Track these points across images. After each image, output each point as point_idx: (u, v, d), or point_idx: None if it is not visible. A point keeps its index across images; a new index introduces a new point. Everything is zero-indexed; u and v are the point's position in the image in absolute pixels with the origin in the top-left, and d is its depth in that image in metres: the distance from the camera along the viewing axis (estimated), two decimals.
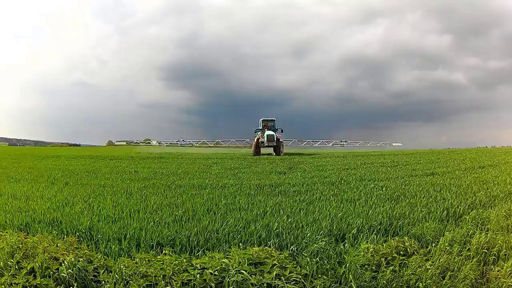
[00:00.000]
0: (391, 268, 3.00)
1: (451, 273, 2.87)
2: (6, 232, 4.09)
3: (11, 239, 3.63)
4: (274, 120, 21.99)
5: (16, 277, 3.07)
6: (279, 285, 2.57)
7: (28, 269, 3.15)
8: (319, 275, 2.93)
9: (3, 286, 3.00)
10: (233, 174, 11.22)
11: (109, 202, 6.18)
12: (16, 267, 3.16)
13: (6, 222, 4.80)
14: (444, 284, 2.75)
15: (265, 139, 21.23)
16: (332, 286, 2.77)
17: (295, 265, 3.03)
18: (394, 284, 2.79)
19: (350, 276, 2.86)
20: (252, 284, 2.63)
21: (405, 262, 3.17)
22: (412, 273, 2.93)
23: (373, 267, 3.03)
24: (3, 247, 3.48)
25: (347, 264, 3.09)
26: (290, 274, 2.78)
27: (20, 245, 3.55)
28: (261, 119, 21.89)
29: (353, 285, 2.70)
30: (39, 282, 2.92)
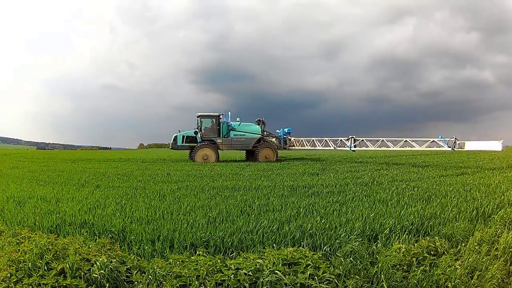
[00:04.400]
0: (421, 268, 4.15)
1: (479, 272, 4.02)
2: (35, 234, 5.61)
3: (40, 241, 4.91)
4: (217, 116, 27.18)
5: (45, 278, 4.10)
6: (312, 285, 3.67)
7: (58, 270, 4.21)
8: (352, 275, 4.04)
9: (30, 286, 4.00)
10: (266, 176, 14.82)
11: (141, 204, 8.33)
12: (45, 268, 4.30)
13: (35, 224, 6.59)
14: (472, 284, 3.84)
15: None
16: (364, 286, 3.88)
17: (328, 265, 4.15)
18: (424, 284, 3.87)
19: (382, 276, 3.96)
20: (285, 284, 3.67)
21: (435, 262, 4.38)
22: (442, 273, 4.04)
23: (404, 267, 4.20)
24: (32, 248, 4.70)
25: (379, 264, 4.23)
26: (324, 274, 3.87)
27: (50, 247, 4.75)
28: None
29: (384, 285, 3.78)
30: (69, 283, 3.97)
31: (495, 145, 16.91)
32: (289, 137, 28.97)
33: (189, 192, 10.46)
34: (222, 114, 27.44)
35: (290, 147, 29.15)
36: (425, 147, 19.83)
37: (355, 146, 23.34)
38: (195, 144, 26.29)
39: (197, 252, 4.72)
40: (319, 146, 26.14)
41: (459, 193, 9.38)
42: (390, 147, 21.03)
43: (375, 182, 12.29)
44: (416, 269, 4.15)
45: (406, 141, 20.13)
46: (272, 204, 8.19)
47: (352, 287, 3.77)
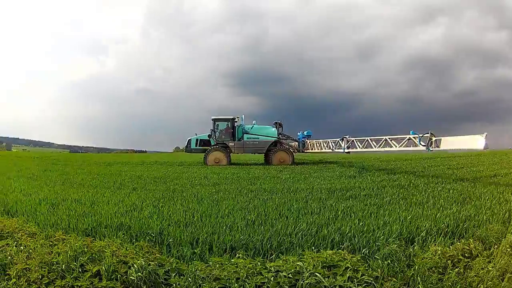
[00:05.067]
0: (456, 270, 4.34)
1: (510, 275, 4.11)
2: (70, 236, 5.83)
3: (75, 243, 5.08)
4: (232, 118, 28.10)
5: (79, 280, 4.27)
6: (350, 287, 3.84)
7: (94, 272, 4.37)
8: (389, 278, 4.20)
9: None
10: (304, 179, 15.24)
11: (179, 207, 8.62)
12: (80, 270, 4.47)
13: (69, 227, 6.86)
14: (503, 286, 3.97)
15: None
16: None
17: (366, 268, 4.30)
18: (458, 286, 4.04)
19: (418, 278, 4.14)
20: (325, 286, 3.84)
21: (469, 264, 4.59)
22: (475, 275, 4.22)
23: (440, 270, 4.39)
24: (66, 250, 4.88)
25: (416, 267, 4.41)
26: (362, 277, 4.02)
27: (85, 249, 4.90)
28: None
29: (420, 287, 3.98)
30: (104, 285, 4.13)
31: (476, 142, 13.90)
32: (307, 140, 29.16)
33: (227, 195, 10.80)
34: (237, 117, 28.21)
35: (307, 151, 29.33)
36: (403, 147, 18.52)
37: (348, 147, 23.08)
38: (209, 148, 27.38)
39: (237, 255, 4.88)
40: (324, 148, 26.19)
41: (493, 195, 9.66)
42: (372, 148, 20.43)
43: (411, 185, 12.66)
44: (451, 272, 4.32)
45: (385, 140, 19.36)
46: (311, 207, 8.47)
47: None
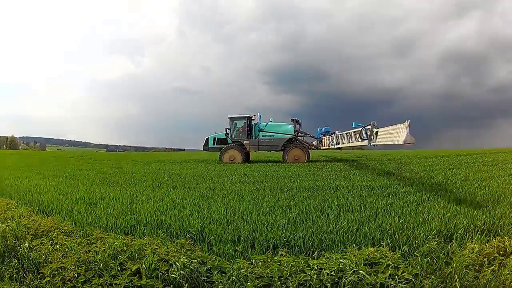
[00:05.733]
0: (491, 268, 4.48)
1: None
2: (108, 235, 6.04)
3: (115, 242, 5.28)
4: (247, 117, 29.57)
5: (117, 278, 4.44)
6: (391, 284, 3.97)
7: (133, 270, 4.53)
8: (428, 275, 4.35)
9: (100, 286, 4.38)
10: (344, 176, 15.76)
11: (220, 204, 8.89)
12: (119, 268, 4.65)
13: (107, 225, 7.11)
14: None
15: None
16: (439, 286, 4.19)
17: (406, 265, 4.46)
18: (493, 284, 4.18)
19: (456, 276, 4.28)
20: (366, 283, 4.00)
21: (503, 262, 4.69)
22: (509, 273, 4.33)
23: (476, 267, 4.57)
24: (105, 249, 5.10)
25: (454, 264, 4.56)
26: (403, 274, 4.15)
27: (125, 248, 5.10)
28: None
29: (457, 285, 4.13)
30: (144, 283, 4.27)
31: (398, 135, 12.74)
32: (322, 137, 29.69)
33: (267, 192, 11.18)
34: (254, 116, 29.56)
35: (321, 147, 29.98)
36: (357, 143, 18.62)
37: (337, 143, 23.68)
38: (225, 146, 28.80)
39: (279, 253, 5.06)
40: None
41: None
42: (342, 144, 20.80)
43: (449, 182, 13.02)
44: (486, 269, 4.49)
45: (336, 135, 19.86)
46: (351, 205, 8.76)
47: (428, 287, 4.12)
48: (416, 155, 31.51)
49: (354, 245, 5.52)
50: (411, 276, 4.17)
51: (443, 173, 15.65)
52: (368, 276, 4.03)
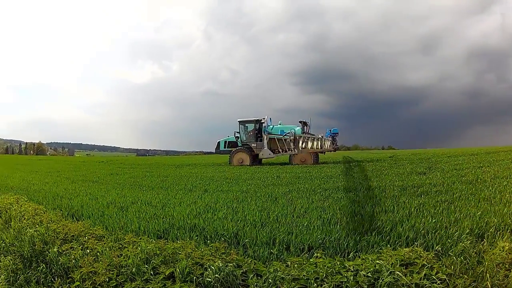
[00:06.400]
0: None
1: None
2: (141, 239, 6.13)
3: (147, 246, 5.37)
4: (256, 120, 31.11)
5: (150, 282, 4.55)
6: (426, 284, 4.04)
7: (167, 274, 4.64)
8: (461, 275, 4.44)
9: None
10: (376, 176, 16.15)
11: (253, 207, 9.14)
12: (151, 272, 4.76)
13: (139, 229, 7.31)
14: None
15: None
16: (471, 285, 4.25)
17: (440, 265, 4.55)
18: None
19: (487, 275, 4.36)
20: (402, 284, 4.06)
21: None
22: None
23: (506, 265, 4.64)
24: (137, 253, 5.19)
25: (486, 263, 4.65)
26: (437, 274, 4.22)
27: (158, 251, 5.20)
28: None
29: (488, 284, 4.21)
30: (178, 287, 4.38)
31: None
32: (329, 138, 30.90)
33: (301, 194, 11.44)
34: (263, 119, 30.87)
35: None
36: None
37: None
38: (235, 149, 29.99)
39: (315, 254, 5.17)
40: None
41: None
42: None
43: (479, 180, 13.14)
44: None
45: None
46: (384, 205, 8.99)
47: (461, 287, 4.21)
48: (445, 154, 32.74)
49: (389, 245, 5.69)
50: (445, 276, 4.28)
51: (472, 172, 15.93)
52: (404, 277, 4.14)
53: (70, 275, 5.39)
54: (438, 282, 4.15)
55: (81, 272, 5.17)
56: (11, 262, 6.59)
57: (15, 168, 34.22)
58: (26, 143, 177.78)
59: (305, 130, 30.52)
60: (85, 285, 4.99)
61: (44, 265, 5.96)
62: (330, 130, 31.40)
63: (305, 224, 7.23)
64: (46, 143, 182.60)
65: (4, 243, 7.40)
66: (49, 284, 5.64)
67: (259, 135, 30.61)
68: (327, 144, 30.45)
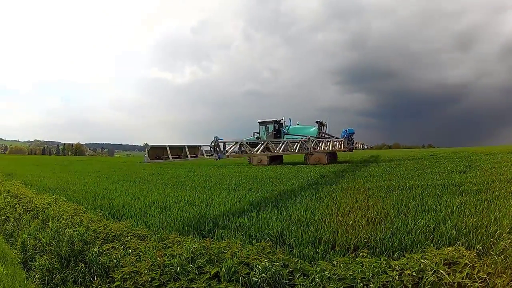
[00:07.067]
0: None
1: None
2: (185, 238, 6.31)
3: (193, 245, 5.52)
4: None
5: (194, 282, 4.70)
6: (467, 284, 4.18)
7: (212, 273, 4.77)
8: (500, 274, 4.55)
9: None
10: (418, 175, 16.57)
11: (298, 206, 9.40)
12: (196, 272, 4.92)
13: (183, 228, 7.57)
14: None
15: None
16: (509, 284, 4.34)
17: (481, 264, 4.68)
18: None
19: None
20: (445, 283, 4.19)
21: None
22: None
23: None
24: (182, 252, 5.36)
25: None
26: (478, 273, 4.36)
27: (203, 251, 5.34)
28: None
29: None
30: (223, 287, 4.52)
31: None
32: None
33: (344, 193, 11.73)
34: (282, 119, 32.76)
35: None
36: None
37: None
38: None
39: (361, 254, 5.29)
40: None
41: None
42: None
43: None
44: None
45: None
46: (427, 204, 9.26)
47: (500, 286, 4.32)
48: (484, 152, 33.18)
49: (432, 244, 5.85)
50: (486, 275, 4.39)
51: (511, 170, 16.17)
52: (447, 276, 4.27)
53: (110, 275, 5.59)
54: (479, 281, 4.28)
55: (122, 272, 5.35)
56: (47, 261, 6.84)
57: (53, 169, 35.27)
58: (64, 144, 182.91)
59: (322, 130, 32.17)
60: (126, 285, 5.17)
61: (83, 265, 6.18)
62: (346, 130, 32.52)
63: (350, 223, 7.42)
64: (85, 143, 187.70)
65: (40, 242, 7.69)
66: (87, 284, 5.88)
67: (278, 135, 32.16)
68: (342, 144, 31.24)
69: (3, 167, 37.96)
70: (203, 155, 12.91)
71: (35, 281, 6.83)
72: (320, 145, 26.17)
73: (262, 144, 18.22)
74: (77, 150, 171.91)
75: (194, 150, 12.79)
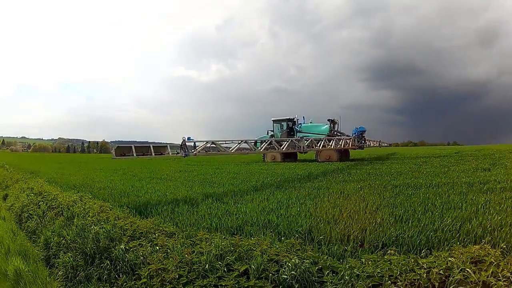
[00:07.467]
0: None
1: None
2: (214, 235, 6.43)
3: (222, 242, 5.64)
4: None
5: (223, 279, 4.84)
6: (492, 282, 4.26)
7: (241, 271, 4.90)
8: None
9: None
10: (443, 173, 16.93)
11: (326, 203, 9.45)
12: (225, 269, 5.05)
13: (211, 225, 7.70)
14: None
15: None
16: None
17: (506, 263, 4.71)
18: None
19: None
20: (470, 282, 4.28)
21: None
22: None
23: None
24: (210, 249, 5.48)
25: None
26: (502, 272, 4.44)
27: (232, 248, 5.45)
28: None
29: None
30: (252, 284, 4.63)
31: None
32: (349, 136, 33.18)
33: (372, 190, 11.96)
34: (295, 117, 34.51)
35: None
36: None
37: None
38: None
39: (389, 251, 5.43)
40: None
41: None
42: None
43: None
44: None
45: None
46: (453, 201, 9.41)
47: None
48: (507, 150, 34.24)
49: (458, 242, 6.02)
50: (509, 274, 4.46)
51: None
52: (472, 274, 4.38)
53: (136, 272, 5.76)
54: (503, 279, 4.35)
55: (149, 269, 5.52)
56: (71, 258, 7.07)
57: (78, 166, 36.13)
58: (89, 142, 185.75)
59: (334, 128, 33.77)
60: (153, 282, 5.33)
61: (108, 262, 6.36)
62: (357, 128, 33.63)
63: (378, 221, 7.56)
64: (110, 141, 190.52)
65: (65, 240, 7.92)
66: (112, 281, 6.07)
67: (291, 133, 33.65)
68: (350, 142, 32.20)
69: (26, 165, 39.09)
70: (169, 154, 14.68)
71: (57, 278, 6.98)
72: (330, 143, 27.65)
73: (266, 142, 21.57)
74: (102, 147, 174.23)
75: (161, 149, 14.47)
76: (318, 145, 25.88)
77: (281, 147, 22.26)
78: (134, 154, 13.12)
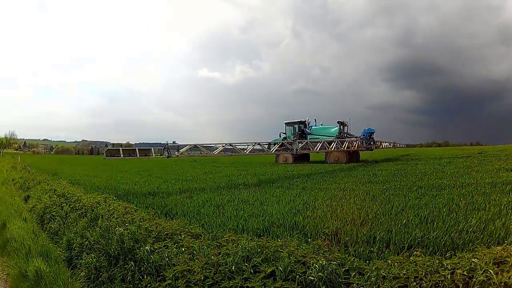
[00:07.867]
0: None
1: None
2: (240, 237, 6.52)
3: (249, 244, 5.75)
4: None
5: (249, 281, 4.96)
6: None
7: (268, 272, 5.01)
8: None
9: None
10: (467, 173, 17.42)
11: (352, 205, 9.69)
12: (251, 271, 5.16)
13: (238, 227, 7.90)
14: None
15: None
16: None
17: None
18: None
19: None
20: (493, 283, 4.39)
21: None
22: None
23: None
24: (237, 251, 5.60)
25: None
26: None
27: (259, 249, 5.56)
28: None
29: None
30: (278, 286, 4.74)
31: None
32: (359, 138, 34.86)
33: (397, 192, 12.34)
34: (306, 120, 37.12)
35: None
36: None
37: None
38: None
39: (414, 253, 5.51)
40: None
41: None
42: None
43: None
44: None
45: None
46: (477, 202, 9.66)
47: None
48: None
49: (482, 243, 6.21)
50: None
51: None
52: (494, 276, 4.48)
53: (161, 273, 5.87)
54: None
55: (174, 270, 5.63)
56: (94, 259, 7.20)
57: (102, 168, 37.06)
58: (113, 144, 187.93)
59: (343, 130, 35.33)
60: (178, 283, 5.44)
61: (133, 263, 6.47)
62: (365, 130, 35.19)
63: (404, 222, 7.79)
64: (135, 143, 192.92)
65: (88, 241, 8.07)
66: (136, 282, 6.17)
67: (303, 135, 35.56)
68: (357, 144, 33.69)
69: (48, 167, 40.03)
70: (153, 155, 16.87)
71: (79, 279, 7.13)
72: (330, 145, 28.86)
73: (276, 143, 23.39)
74: None
75: (146, 151, 16.50)
76: (316, 147, 27.51)
77: (272, 150, 24.66)
78: (122, 155, 15.59)
